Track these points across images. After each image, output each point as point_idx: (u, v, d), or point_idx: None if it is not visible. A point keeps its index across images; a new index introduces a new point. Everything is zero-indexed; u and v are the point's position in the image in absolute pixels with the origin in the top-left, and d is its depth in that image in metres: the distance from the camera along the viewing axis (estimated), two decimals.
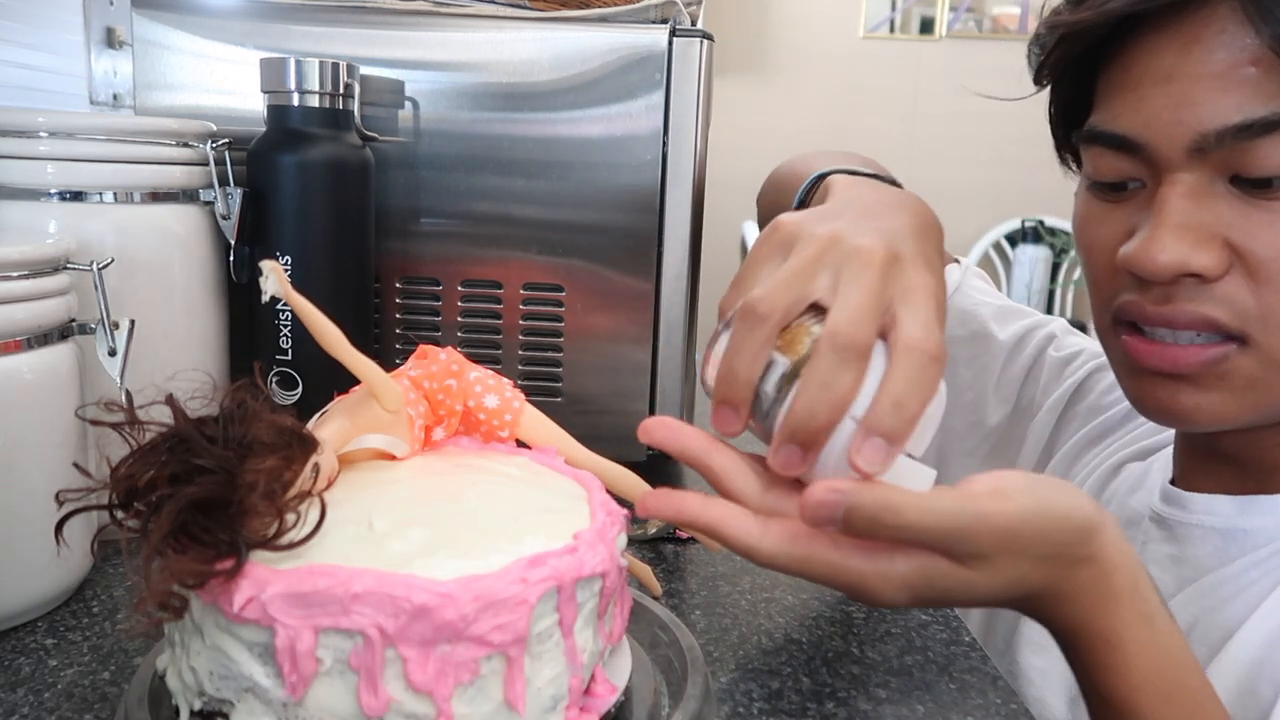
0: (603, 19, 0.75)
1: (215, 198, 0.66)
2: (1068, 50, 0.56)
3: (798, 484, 0.41)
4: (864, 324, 0.39)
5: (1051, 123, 0.63)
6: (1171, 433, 0.65)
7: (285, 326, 0.67)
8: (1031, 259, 2.62)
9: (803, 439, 0.39)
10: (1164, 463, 0.65)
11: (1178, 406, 0.54)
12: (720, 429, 0.42)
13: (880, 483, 0.38)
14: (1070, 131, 0.60)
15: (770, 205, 0.78)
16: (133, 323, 0.55)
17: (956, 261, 0.88)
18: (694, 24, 0.78)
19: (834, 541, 0.38)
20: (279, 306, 0.66)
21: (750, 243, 2.32)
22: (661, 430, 0.42)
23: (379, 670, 0.34)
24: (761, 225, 0.82)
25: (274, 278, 0.42)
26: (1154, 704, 0.42)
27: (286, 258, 0.67)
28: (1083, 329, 2.67)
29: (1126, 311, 0.55)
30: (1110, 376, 0.72)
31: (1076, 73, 0.58)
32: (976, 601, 0.40)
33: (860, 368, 0.39)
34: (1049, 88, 0.61)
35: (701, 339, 0.84)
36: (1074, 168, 0.63)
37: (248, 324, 0.69)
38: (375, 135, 0.73)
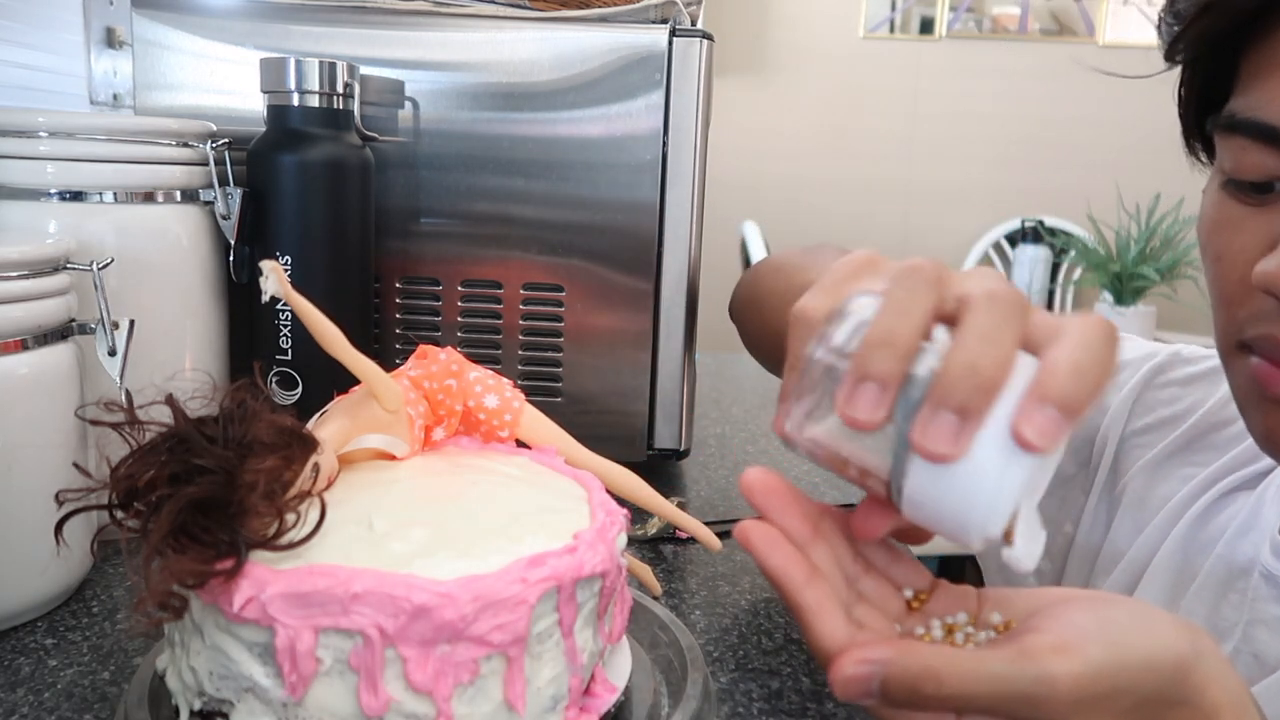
0: (603, 19, 0.75)
1: (215, 198, 0.66)
2: (1213, 22, 0.48)
3: None
4: (1015, 289, 0.34)
5: (1181, 105, 0.54)
6: None
7: (285, 326, 0.67)
8: (1031, 259, 2.62)
9: (961, 402, 0.31)
10: (1277, 492, 0.58)
11: None
12: (857, 418, 0.32)
13: (914, 647, 0.32)
14: (1204, 117, 0.52)
15: (754, 319, 0.75)
16: (132, 323, 0.55)
17: None
18: (694, 24, 0.78)
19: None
20: (279, 307, 0.66)
21: (750, 243, 2.32)
22: (758, 532, 0.35)
23: (379, 670, 0.34)
24: (744, 335, 0.79)
25: (274, 277, 0.42)
26: None
27: (286, 258, 0.67)
28: None
29: (1264, 344, 0.47)
30: (1182, 372, 0.68)
31: (1219, 49, 0.49)
32: None
33: (1023, 322, 0.32)
34: (1180, 67, 0.53)
35: (702, 339, 0.84)
36: (1204, 160, 0.55)
37: (248, 324, 0.69)
38: (375, 135, 0.73)
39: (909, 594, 0.38)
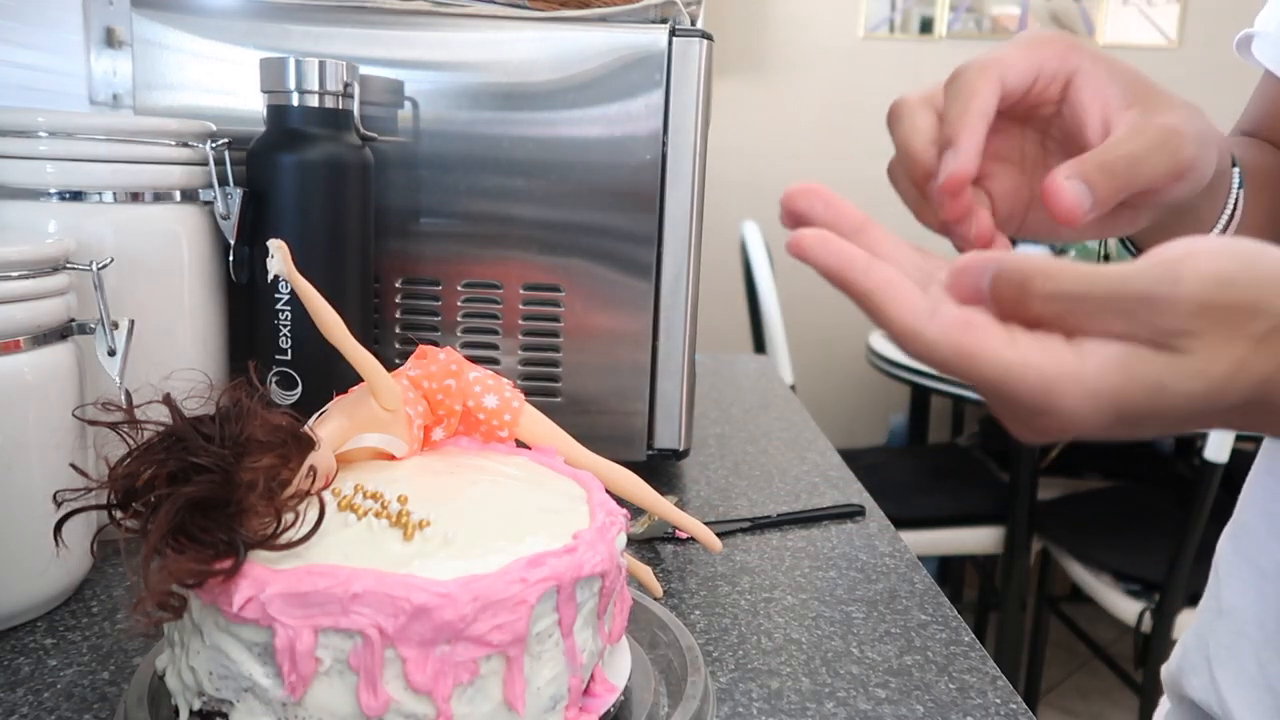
0: (602, 19, 0.75)
1: (215, 198, 0.66)
2: None
3: None
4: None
5: None
6: None
7: (285, 326, 0.67)
8: None
9: None
10: None
11: None
12: None
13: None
14: None
15: None
16: (132, 323, 0.55)
17: None
18: (694, 24, 0.78)
19: (1011, 337, 0.30)
20: (279, 307, 0.66)
21: (750, 243, 2.32)
22: (809, 235, 0.32)
23: (378, 670, 0.34)
24: None
25: (279, 256, 0.42)
26: None
27: None
28: None
29: None
30: None
31: None
32: (1194, 407, 0.29)
33: None
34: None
35: (702, 339, 0.84)
36: None
37: (247, 324, 0.69)
38: (375, 135, 0.73)
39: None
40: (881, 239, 0.35)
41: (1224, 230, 0.49)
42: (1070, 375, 0.29)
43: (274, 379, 0.67)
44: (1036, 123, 0.44)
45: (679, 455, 0.80)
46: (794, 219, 0.35)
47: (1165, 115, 0.39)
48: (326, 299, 0.44)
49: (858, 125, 3.02)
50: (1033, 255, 0.30)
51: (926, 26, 3.02)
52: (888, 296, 0.31)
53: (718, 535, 0.55)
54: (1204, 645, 0.60)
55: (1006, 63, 0.40)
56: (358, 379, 0.46)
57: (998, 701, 0.49)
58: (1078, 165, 0.37)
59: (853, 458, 0.87)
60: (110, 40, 0.93)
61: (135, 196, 0.62)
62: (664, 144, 0.74)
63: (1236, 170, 0.47)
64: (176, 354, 0.64)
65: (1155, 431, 0.31)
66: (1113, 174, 0.37)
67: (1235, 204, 0.48)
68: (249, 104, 0.71)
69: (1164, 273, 0.28)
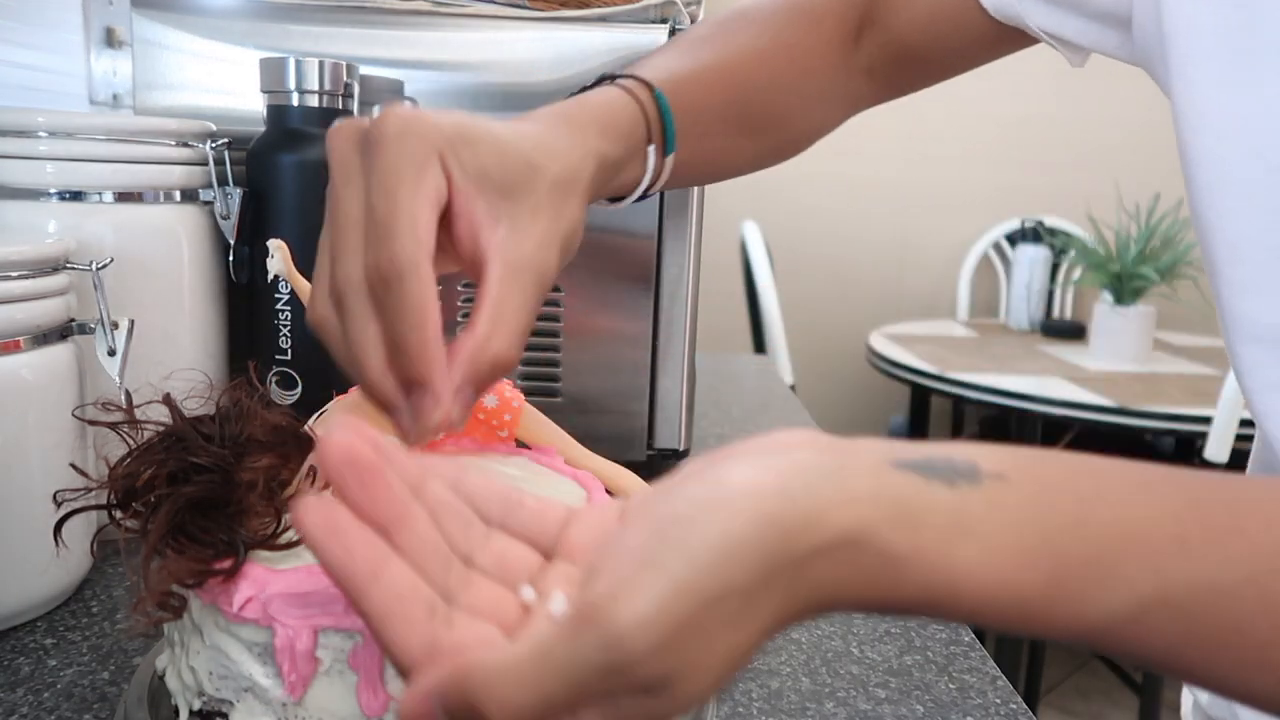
0: (602, 19, 0.75)
1: (215, 197, 0.66)
2: None
3: None
4: None
5: None
6: None
7: (285, 326, 0.67)
8: (1031, 259, 2.62)
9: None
10: None
11: None
12: None
13: (462, 660, 0.25)
14: None
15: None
16: (132, 323, 0.55)
17: None
18: (694, 23, 0.78)
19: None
20: (279, 307, 0.66)
21: (750, 243, 2.32)
22: (315, 514, 0.26)
23: (378, 670, 0.34)
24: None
25: (279, 256, 0.42)
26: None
27: None
28: (1082, 330, 2.61)
29: None
30: None
31: None
32: (704, 701, 0.27)
33: None
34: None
35: (702, 339, 0.84)
36: None
37: (247, 324, 0.69)
38: None
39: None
40: (418, 531, 0.28)
41: (646, 191, 0.53)
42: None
43: (274, 379, 0.67)
44: None
45: (679, 455, 0.80)
46: (326, 478, 0.28)
47: (531, 226, 0.39)
48: None
49: (857, 125, 3.02)
50: (477, 667, 0.25)
51: None
52: (385, 625, 0.26)
53: None
54: None
55: (419, 236, 0.36)
56: None
57: (998, 701, 0.49)
58: (464, 368, 0.36)
59: None
60: (110, 40, 0.93)
61: (135, 196, 0.62)
62: None
63: (651, 148, 0.50)
64: (176, 354, 0.64)
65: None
66: (496, 371, 0.37)
67: (656, 175, 0.51)
68: (249, 104, 0.71)
69: (601, 638, 0.24)
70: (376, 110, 0.64)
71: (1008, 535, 0.27)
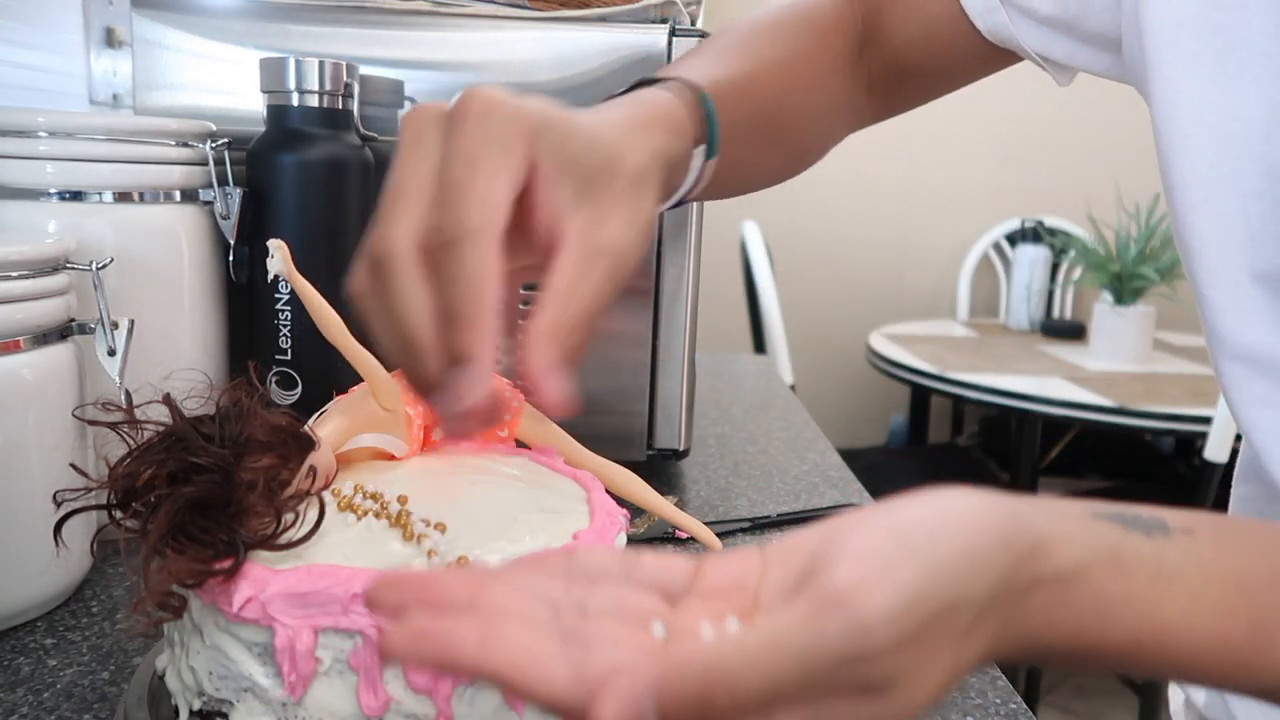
0: (602, 19, 0.75)
1: (215, 198, 0.66)
2: None
3: None
4: None
5: None
6: None
7: (285, 326, 0.67)
8: (1031, 259, 2.62)
9: None
10: None
11: None
12: None
13: (683, 652, 0.24)
14: None
15: None
16: (132, 323, 0.55)
17: None
18: (694, 24, 0.78)
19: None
20: (279, 307, 0.66)
21: (750, 243, 2.32)
22: (399, 639, 0.25)
23: (378, 670, 0.34)
24: None
25: (279, 256, 0.42)
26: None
27: None
28: (1082, 330, 2.61)
29: None
30: None
31: None
32: (914, 712, 0.26)
33: None
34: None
35: (702, 339, 0.84)
36: None
37: (247, 324, 0.69)
38: (375, 135, 0.73)
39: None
40: (502, 592, 0.27)
41: (684, 198, 0.50)
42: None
43: (274, 379, 0.67)
44: None
45: (679, 455, 0.80)
46: (387, 615, 0.27)
47: (612, 221, 0.36)
48: (326, 299, 0.44)
49: None
50: (696, 657, 0.24)
51: None
52: (519, 672, 0.24)
53: (718, 535, 0.55)
54: None
55: (495, 203, 0.33)
56: (358, 379, 0.46)
57: (998, 701, 0.49)
58: (548, 342, 0.34)
59: (853, 458, 0.87)
60: (110, 40, 0.93)
61: (136, 196, 0.62)
62: None
63: (697, 150, 0.47)
64: (176, 354, 0.64)
65: None
66: (576, 332, 0.35)
67: (697, 179, 0.49)
68: (249, 104, 0.71)
69: (845, 624, 0.24)
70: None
71: (1210, 586, 0.29)
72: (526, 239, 0.36)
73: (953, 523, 0.27)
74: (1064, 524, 0.28)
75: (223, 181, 0.66)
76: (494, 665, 0.24)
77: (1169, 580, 0.29)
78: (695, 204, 0.75)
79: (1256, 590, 0.30)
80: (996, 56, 0.59)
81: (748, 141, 0.54)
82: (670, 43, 0.73)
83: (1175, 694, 0.63)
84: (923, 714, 0.26)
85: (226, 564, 0.34)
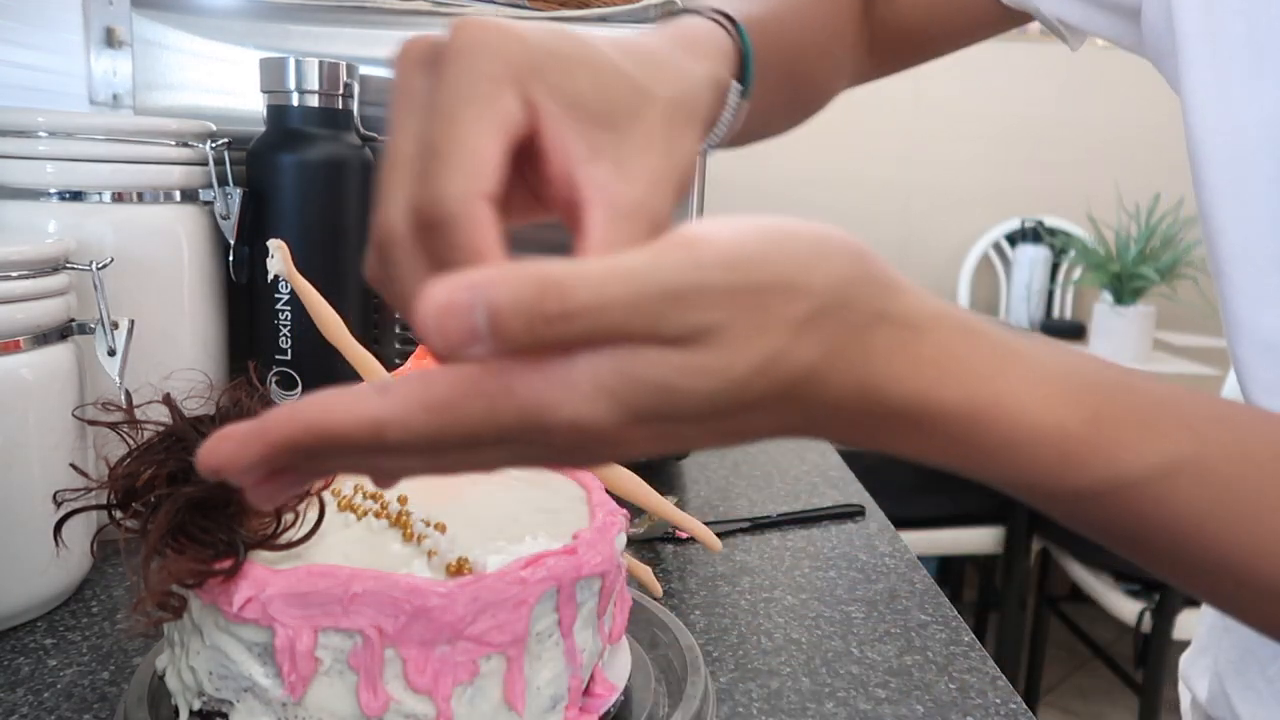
0: (602, 19, 0.75)
1: (215, 197, 0.66)
2: None
3: None
4: None
5: None
6: None
7: (285, 326, 0.67)
8: (1031, 259, 2.62)
9: None
10: None
11: None
12: None
13: (519, 265, 0.23)
14: None
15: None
16: (132, 322, 0.54)
17: None
18: None
19: (485, 370, 0.24)
20: (279, 307, 0.66)
21: None
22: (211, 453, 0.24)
23: (378, 670, 0.34)
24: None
25: (279, 256, 0.42)
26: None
27: None
28: (1082, 330, 2.60)
29: None
30: None
31: None
32: (715, 407, 0.25)
33: None
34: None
35: None
36: None
37: (247, 324, 0.69)
38: (375, 135, 0.73)
39: None
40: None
41: (719, 142, 0.47)
42: (561, 383, 0.24)
43: (274, 379, 0.67)
44: None
45: (679, 455, 0.80)
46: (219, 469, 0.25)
47: (640, 163, 0.32)
48: (326, 299, 0.44)
49: (858, 125, 3.02)
50: (533, 268, 0.23)
51: None
52: (335, 418, 0.24)
53: (718, 535, 0.55)
54: (1214, 661, 0.59)
55: (479, 166, 0.29)
56: (358, 379, 0.46)
57: (998, 701, 0.49)
58: None
59: (853, 458, 0.87)
60: (110, 40, 0.93)
61: (135, 196, 0.62)
62: None
63: (734, 87, 0.43)
64: (176, 354, 0.64)
65: (700, 438, 0.26)
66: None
67: (730, 119, 0.45)
68: (249, 104, 0.71)
69: (682, 259, 0.24)
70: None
71: (1057, 371, 0.28)
72: (550, 190, 0.33)
73: (815, 228, 0.26)
74: (923, 292, 0.28)
75: (223, 181, 0.66)
76: (302, 422, 0.24)
77: (1016, 356, 0.28)
78: (694, 202, 0.75)
79: (1102, 387, 0.29)
80: (1006, 19, 0.59)
81: (769, 85, 0.50)
82: None
83: (1184, 693, 0.63)
84: (721, 400, 0.25)
85: (226, 564, 0.34)
